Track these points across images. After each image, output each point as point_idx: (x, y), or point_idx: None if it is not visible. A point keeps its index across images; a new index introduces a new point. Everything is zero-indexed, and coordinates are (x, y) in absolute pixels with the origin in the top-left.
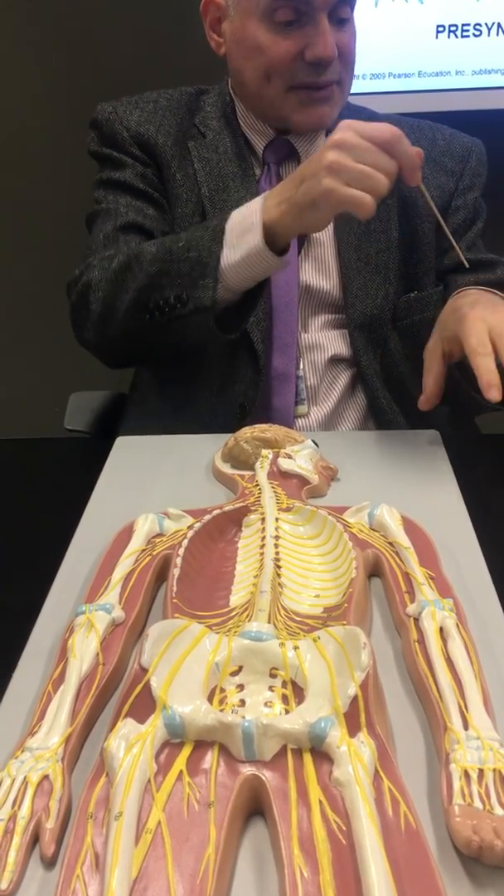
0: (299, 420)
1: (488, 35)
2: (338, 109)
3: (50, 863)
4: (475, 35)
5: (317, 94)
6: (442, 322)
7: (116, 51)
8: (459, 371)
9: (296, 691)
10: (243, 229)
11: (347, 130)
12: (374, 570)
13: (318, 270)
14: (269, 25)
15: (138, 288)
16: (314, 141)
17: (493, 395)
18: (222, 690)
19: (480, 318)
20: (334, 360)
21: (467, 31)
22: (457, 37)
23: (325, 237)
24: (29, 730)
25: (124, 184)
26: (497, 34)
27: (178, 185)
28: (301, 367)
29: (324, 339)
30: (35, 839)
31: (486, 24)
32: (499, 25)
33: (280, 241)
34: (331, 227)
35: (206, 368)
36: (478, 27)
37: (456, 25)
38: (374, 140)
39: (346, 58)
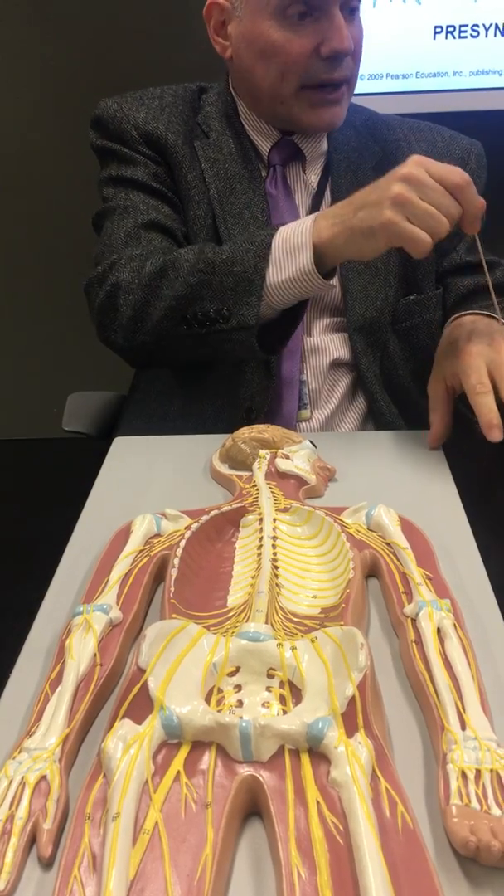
0: (302, 424)
1: (486, 36)
2: (347, 107)
3: (47, 863)
4: (473, 36)
5: (329, 95)
6: (440, 356)
7: (116, 49)
8: (463, 404)
9: (293, 692)
10: (292, 247)
11: (417, 167)
12: (372, 571)
13: None
14: (281, 23)
15: (176, 296)
16: (319, 141)
17: (495, 435)
18: (220, 691)
19: (478, 353)
20: (336, 364)
21: (465, 31)
22: (454, 38)
23: None
24: (26, 730)
25: (137, 182)
26: (495, 35)
27: (189, 185)
28: (304, 371)
29: (326, 343)
30: (32, 840)
31: (484, 25)
32: (496, 26)
33: (328, 263)
34: None
35: (214, 373)
36: (475, 28)
37: (454, 26)
38: (444, 181)
39: (356, 52)
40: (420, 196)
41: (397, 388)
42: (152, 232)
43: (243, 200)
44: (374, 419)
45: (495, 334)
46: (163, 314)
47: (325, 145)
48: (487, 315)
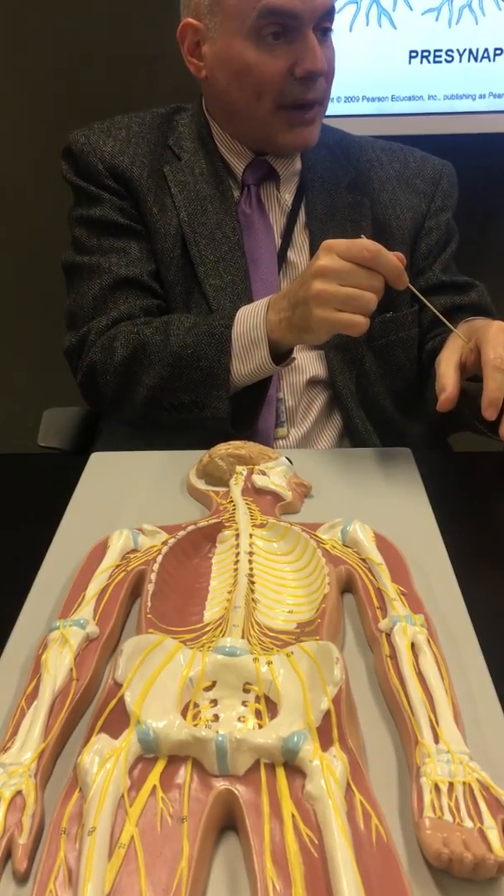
0: (279, 442)
1: (460, 61)
2: (319, 128)
3: (22, 878)
4: (447, 61)
5: (303, 115)
6: (459, 335)
7: (91, 73)
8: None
9: (269, 706)
10: (250, 342)
11: (328, 255)
12: (347, 586)
13: None
14: (255, 43)
15: (152, 387)
16: (292, 161)
17: (490, 413)
18: (196, 706)
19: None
20: (312, 382)
21: (440, 56)
22: (429, 62)
23: (303, 259)
24: (2, 745)
25: (103, 221)
26: (469, 60)
27: (155, 218)
28: (281, 389)
29: (302, 361)
30: (7, 855)
31: (458, 51)
32: (470, 52)
33: (284, 349)
34: (307, 248)
35: None
36: (450, 53)
37: (428, 51)
38: (356, 260)
39: (329, 73)
40: (340, 283)
41: (373, 406)
42: (118, 292)
43: (214, 221)
44: (350, 436)
45: None
46: (142, 401)
47: (298, 164)
48: None
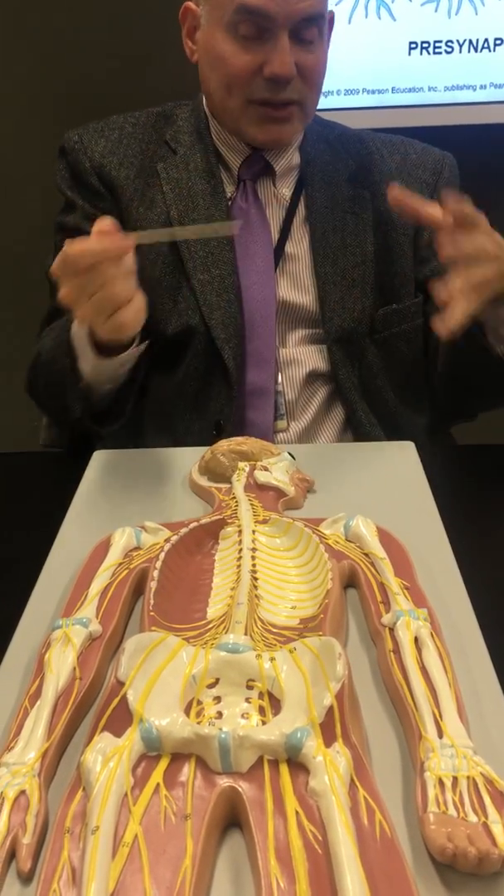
0: (279, 435)
1: (460, 52)
2: (300, 127)
3: (26, 878)
4: (447, 52)
5: (275, 112)
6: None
7: (92, 70)
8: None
9: (272, 702)
10: (80, 339)
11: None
12: (350, 581)
13: (295, 286)
14: (233, 37)
15: (45, 396)
16: (289, 156)
17: (441, 328)
18: (199, 703)
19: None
20: (312, 375)
21: (439, 48)
22: (429, 53)
23: (301, 252)
24: (5, 745)
25: (75, 230)
26: (469, 51)
27: (140, 217)
28: (280, 382)
29: (301, 355)
30: (11, 855)
31: (458, 41)
32: (470, 42)
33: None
34: (307, 241)
35: (183, 386)
36: (450, 44)
37: (428, 42)
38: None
39: (309, 79)
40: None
41: (376, 398)
42: (63, 313)
43: (205, 216)
44: (353, 429)
45: None
46: (50, 411)
47: (296, 158)
48: None
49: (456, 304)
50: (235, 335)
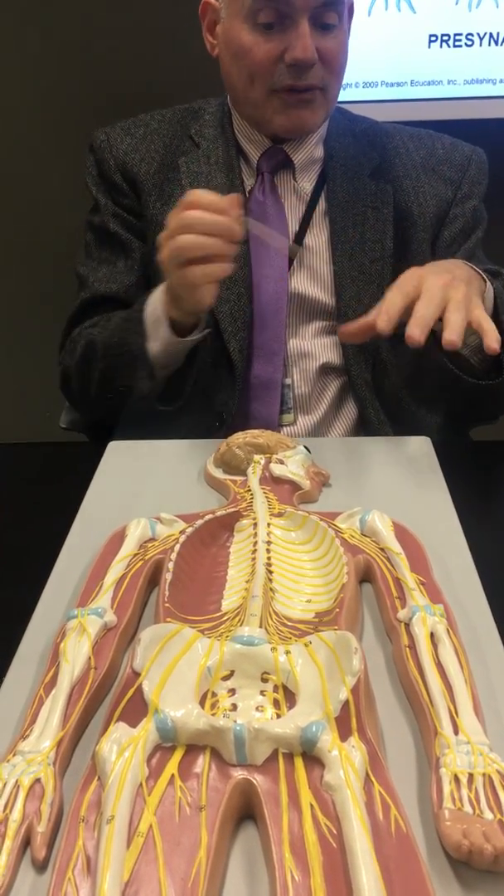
0: (285, 429)
1: (480, 45)
2: (322, 114)
3: (41, 866)
4: (467, 45)
5: (297, 96)
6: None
7: (117, 70)
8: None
9: (287, 696)
10: (155, 319)
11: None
12: (366, 576)
13: (312, 279)
14: (252, 27)
15: (98, 381)
16: (310, 149)
17: (380, 324)
18: (214, 695)
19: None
20: (325, 369)
21: (459, 41)
22: (449, 46)
23: (320, 246)
24: (20, 733)
25: (100, 229)
26: (489, 44)
27: (158, 212)
28: (290, 375)
29: (315, 348)
30: (26, 843)
31: (479, 35)
32: (491, 36)
33: (187, 322)
34: (326, 235)
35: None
36: (470, 37)
37: (448, 35)
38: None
39: (330, 63)
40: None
41: (388, 395)
42: (95, 308)
43: None
44: (365, 425)
45: (457, 269)
46: (96, 397)
47: (319, 152)
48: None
49: (450, 316)
50: (244, 328)
